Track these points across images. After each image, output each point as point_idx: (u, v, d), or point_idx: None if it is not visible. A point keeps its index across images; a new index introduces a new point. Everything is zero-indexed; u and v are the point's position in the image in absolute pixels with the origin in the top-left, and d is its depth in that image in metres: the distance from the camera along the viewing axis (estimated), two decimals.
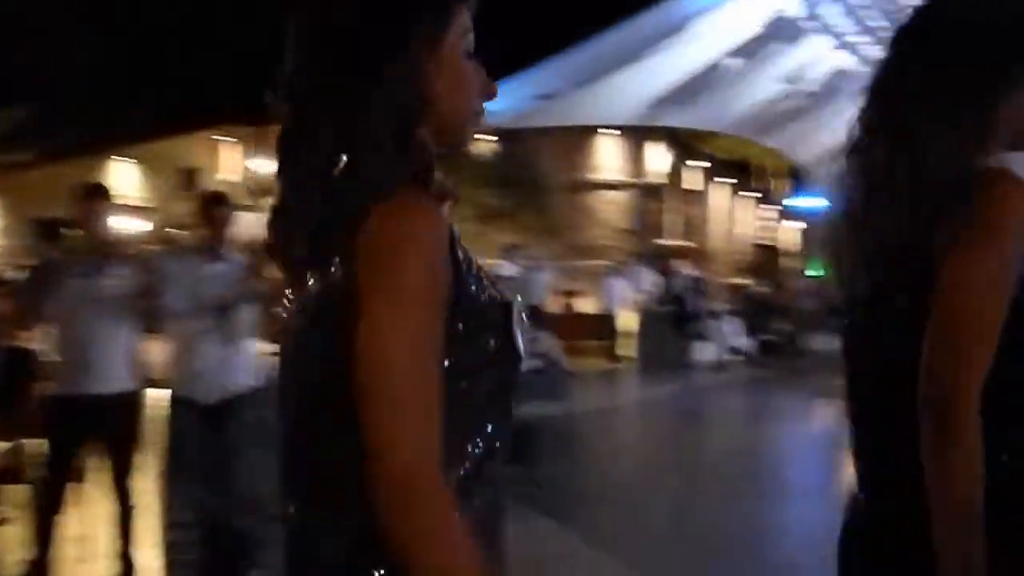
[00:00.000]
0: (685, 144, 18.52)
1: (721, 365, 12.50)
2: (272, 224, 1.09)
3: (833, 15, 9.28)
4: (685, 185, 19.58)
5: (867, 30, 9.57)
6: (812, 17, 9.25)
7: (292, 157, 1.06)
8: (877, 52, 8.71)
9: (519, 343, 1.06)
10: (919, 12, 1.39)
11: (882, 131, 1.36)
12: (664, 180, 18.82)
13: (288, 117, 1.07)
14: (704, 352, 12.52)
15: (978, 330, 1.20)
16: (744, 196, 22.93)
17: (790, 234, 23.42)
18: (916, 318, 1.23)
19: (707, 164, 19.15)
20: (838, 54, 10.08)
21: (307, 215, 1.02)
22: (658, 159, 18.52)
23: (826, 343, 16.03)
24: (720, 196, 21.61)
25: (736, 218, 22.53)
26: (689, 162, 19.27)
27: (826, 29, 9.56)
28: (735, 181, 21.69)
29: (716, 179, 20.99)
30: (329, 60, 1.03)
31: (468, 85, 1.10)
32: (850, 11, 9.21)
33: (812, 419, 10.19)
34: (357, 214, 0.97)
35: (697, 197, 19.70)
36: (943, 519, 1.21)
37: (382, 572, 0.97)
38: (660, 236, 18.35)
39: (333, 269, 0.99)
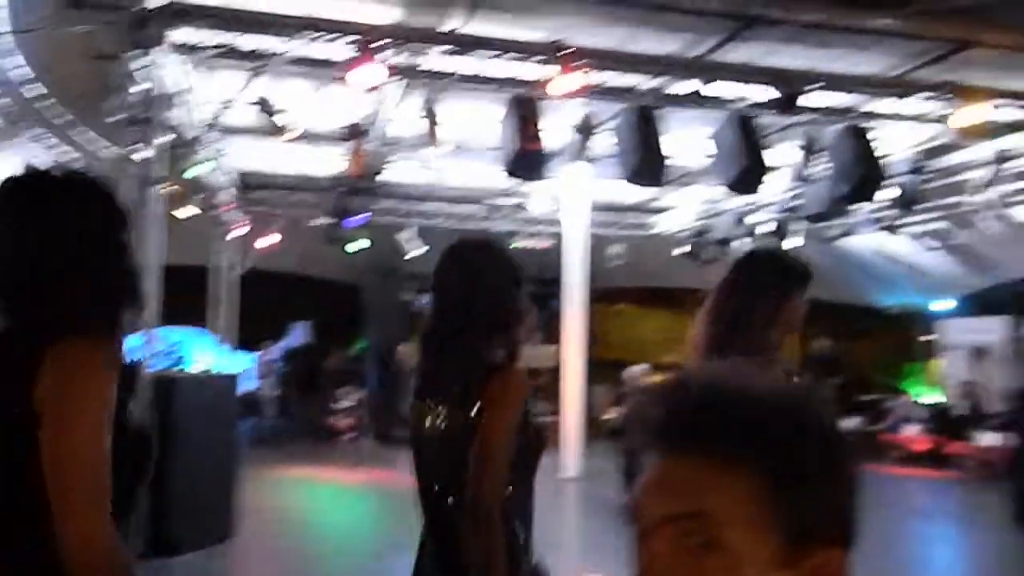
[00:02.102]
0: None
1: None
2: (425, 378, 2.41)
3: None
4: None
5: None
6: None
7: (440, 341, 2.36)
8: None
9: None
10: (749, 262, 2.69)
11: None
12: None
13: (441, 317, 2.37)
14: None
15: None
16: None
17: None
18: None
19: None
20: None
21: (453, 374, 2.30)
22: None
23: None
24: None
25: None
26: None
27: None
28: None
29: None
30: (472, 304, 2.30)
31: None
32: None
33: None
34: (488, 377, 2.24)
35: None
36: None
37: None
38: None
39: (471, 403, 2.22)
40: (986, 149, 9.84)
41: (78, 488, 1.38)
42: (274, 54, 7.07)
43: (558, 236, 12.27)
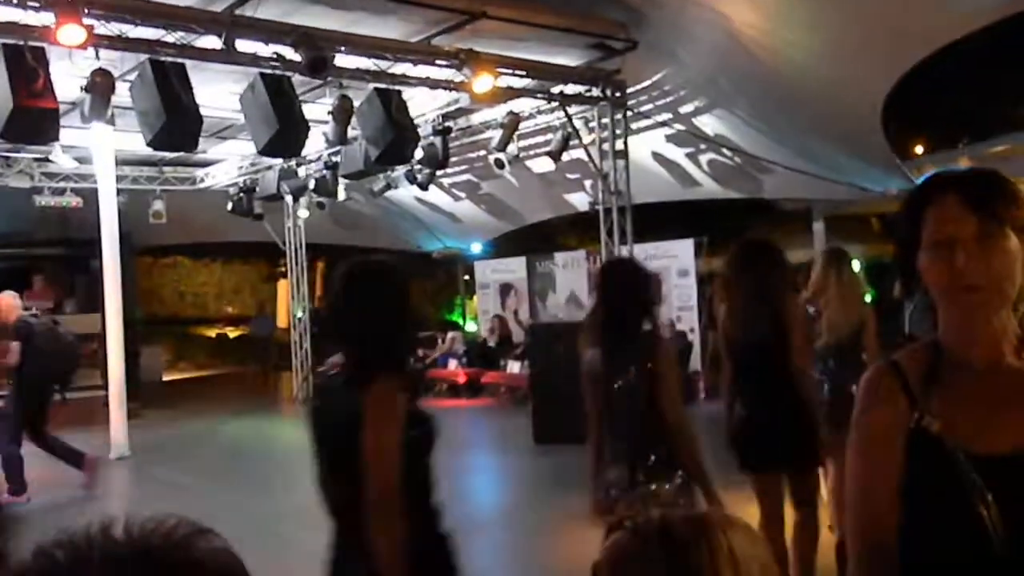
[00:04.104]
0: None
1: None
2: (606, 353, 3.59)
3: None
4: None
5: None
6: None
7: (613, 327, 3.62)
8: None
9: None
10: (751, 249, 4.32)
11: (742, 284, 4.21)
12: None
13: (611, 307, 3.65)
14: None
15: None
16: None
17: None
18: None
19: None
20: None
21: (628, 350, 3.56)
22: None
23: None
24: None
25: None
26: None
27: None
28: None
29: None
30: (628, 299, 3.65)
31: None
32: None
33: None
34: (649, 345, 3.60)
35: None
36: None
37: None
38: None
39: (640, 368, 3.50)
40: (501, 110, 10.95)
41: (383, 469, 2.26)
42: None
43: (94, 192, 11.13)
